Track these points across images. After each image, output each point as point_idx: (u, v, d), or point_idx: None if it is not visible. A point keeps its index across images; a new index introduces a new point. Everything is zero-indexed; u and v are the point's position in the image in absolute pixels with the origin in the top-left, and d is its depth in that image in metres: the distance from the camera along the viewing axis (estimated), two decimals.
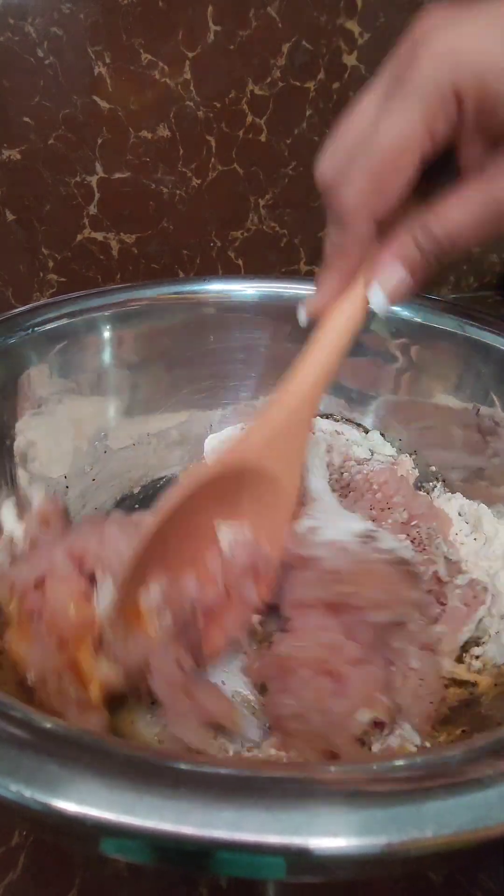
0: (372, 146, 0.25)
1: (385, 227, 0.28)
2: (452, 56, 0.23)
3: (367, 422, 0.49)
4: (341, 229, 0.28)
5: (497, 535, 0.39)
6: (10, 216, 0.58)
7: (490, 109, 0.23)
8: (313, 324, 0.31)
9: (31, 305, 0.45)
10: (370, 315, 0.30)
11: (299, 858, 0.15)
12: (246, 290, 0.49)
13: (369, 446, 0.47)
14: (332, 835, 0.15)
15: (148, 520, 0.29)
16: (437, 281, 0.79)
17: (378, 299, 0.29)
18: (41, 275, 0.62)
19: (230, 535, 0.31)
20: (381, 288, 0.28)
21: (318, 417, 0.48)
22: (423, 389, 0.47)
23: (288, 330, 0.49)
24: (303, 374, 0.31)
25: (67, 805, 0.16)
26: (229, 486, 0.30)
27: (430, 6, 0.23)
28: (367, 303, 0.29)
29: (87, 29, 0.51)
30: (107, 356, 0.46)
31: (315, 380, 0.31)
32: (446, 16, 0.23)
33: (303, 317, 0.32)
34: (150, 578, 0.29)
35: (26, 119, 0.54)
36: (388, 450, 0.47)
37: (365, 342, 0.47)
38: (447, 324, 0.44)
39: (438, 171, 0.26)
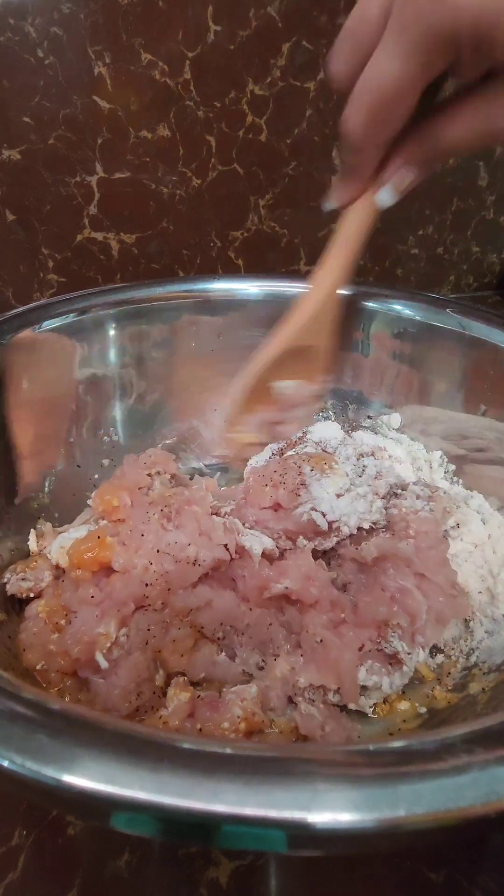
0: (371, 82, 0.28)
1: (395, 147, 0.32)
2: (451, 7, 0.25)
3: (395, 422, 0.49)
4: (353, 153, 0.33)
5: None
6: (10, 216, 0.58)
7: (485, 48, 0.25)
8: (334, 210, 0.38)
9: (41, 302, 0.45)
10: (378, 211, 0.36)
11: (299, 832, 0.16)
12: (250, 288, 0.49)
13: (409, 456, 0.47)
14: (330, 810, 0.16)
15: (237, 384, 0.44)
16: (436, 281, 0.79)
17: (386, 197, 0.35)
18: (41, 275, 0.62)
19: (286, 385, 0.44)
20: (392, 187, 0.34)
21: (360, 431, 0.48)
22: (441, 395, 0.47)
23: None
24: (328, 268, 0.40)
25: (80, 781, 0.17)
26: (282, 363, 0.43)
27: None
28: (375, 206, 0.36)
29: (87, 29, 0.51)
30: (113, 353, 0.46)
31: (338, 273, 0.40)
32: None
33: (327, 205, 0.38)
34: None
35: (26, 119, 0.54)
36: (422, 451, 0.47)
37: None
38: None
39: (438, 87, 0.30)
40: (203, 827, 0.17)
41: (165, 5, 0.52)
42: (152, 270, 0.65)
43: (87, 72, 0.53)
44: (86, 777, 0.17)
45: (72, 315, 0.44)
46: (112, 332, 0.46)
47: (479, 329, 0.44)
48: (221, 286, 0.49)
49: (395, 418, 0.49)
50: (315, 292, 0.41)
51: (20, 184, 0.56)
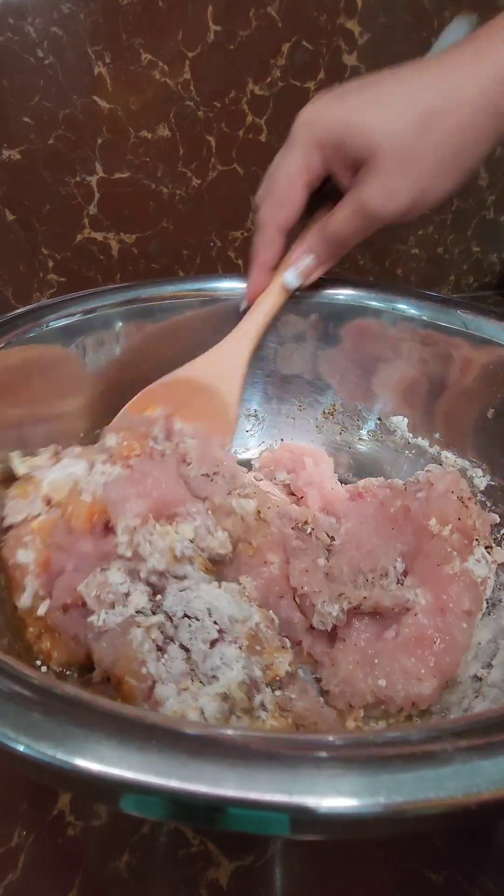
0: (273, 181, 0.40)
1: (294, 236, 0.42)
2: (312, 119, 0.38)
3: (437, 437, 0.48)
4: (258, 236, 0.42)
5: None
6: (10, 216, 0.58)
7: (342, 150, 0.37)
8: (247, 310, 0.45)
9: (48, 301, 0.45)
10: (287, 293, 0.44)
11: (302, 815, 0.17)
12: None
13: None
14: (332, 795, 0.17)
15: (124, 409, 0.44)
16: (436, 281, 0.79)
17: (291, 278, 0.43)
18: (41, 275, 0.62)
19: (183, 426, 0.43)
20: (295, 271, 0.43)
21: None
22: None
23: (294, 328, 0.49)
24: (242, 327, 0.45)
25: (91, 764, 0.17)
26: (185, 393, 0.44)
27: (318, 93, 0.39)
28: (285, 287, 0.44)
29: (87, 29, 0.51)
30: (120, 351, 0.46)
31: (251, 332, 0.45)
32: (320, 98, 0.38)
33: (243, 305, 0.46)
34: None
35: (26, 119, 0.54)
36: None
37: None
38: None
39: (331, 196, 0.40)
40: (210, 809, 0.17)
41: (165, 5, 0.52)
42: (152, 270, 0.65)
43: (87, 72, 0.53)
44: (96, 760, 0.17)
45: (78, 314, 0.44)
46: (119, 331, 0.46)
47: (490, 330, 0.43)
48: (228, 285, 0.49)
49: (403, 421, 0.49)
50: (226, 343, 0.45)
51: (20, 184, 0.56)
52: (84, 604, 0.32)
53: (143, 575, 0.32)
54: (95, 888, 0.28)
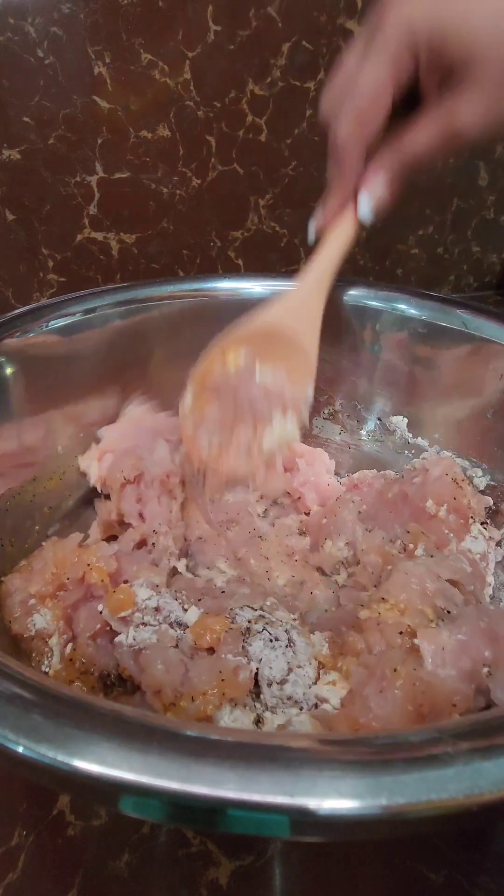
0: (354, 92, 0.34)
1: (371, 156, 0.36)
2: (408, 21, 0.32)
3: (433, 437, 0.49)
4: (337, 159, 0.37)
5: None
6: (10, 216, 0.58)
7: (438, 57, 0.32)
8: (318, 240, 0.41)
9: (48, 301, 0.45)
10: (358, 226, 0.39)
11: (302, 817, 0.17)
12: (254, 287, 0.49)
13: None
14: (332, 797, 0.17)
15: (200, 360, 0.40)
16: (436, 281, 0.79)
17: (365, 207, 0.38)
18: (41, 275, 0.62)
19: (262, 372, 0.40)
20: (368, 196, 0.37)
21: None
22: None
23: None
24: (315, 266, 0.40)
25: (90, 766, 0.17)
26: (264, 338, 0.40)
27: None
28: (358, 218, 0.38)
29: (87, 29, 0.51)
30: (120, 351, 0.46)
31: (324, 271, 0.40)
32: None
33: (311, 235, 0.41)
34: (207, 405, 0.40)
35: (26, 119, 0.54)
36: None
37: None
38: None
39: (409, 105, 0.35)
40: (209, 811, 0.17)
41: (165, 5, 0.52)
42: (152, 270, 0.65)
43: (87, 72, 0.53)
44: (96, 762, 0.17)
45: (78, 314, 0.44)
46: (119, 331, 0.46)
47: (490, 330, 0.43)
48: (228, 285, 0.49)
49: (403, 421, 0.49)
50: (302, 287, 0.41)
51: (20, 184, 0.56)
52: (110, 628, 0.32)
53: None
54: (95, 888, 0.28)
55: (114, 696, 0.32)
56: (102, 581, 0.33)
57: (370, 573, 0.37)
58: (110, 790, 0.17)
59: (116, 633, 0.32)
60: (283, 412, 0.40)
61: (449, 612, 0.32)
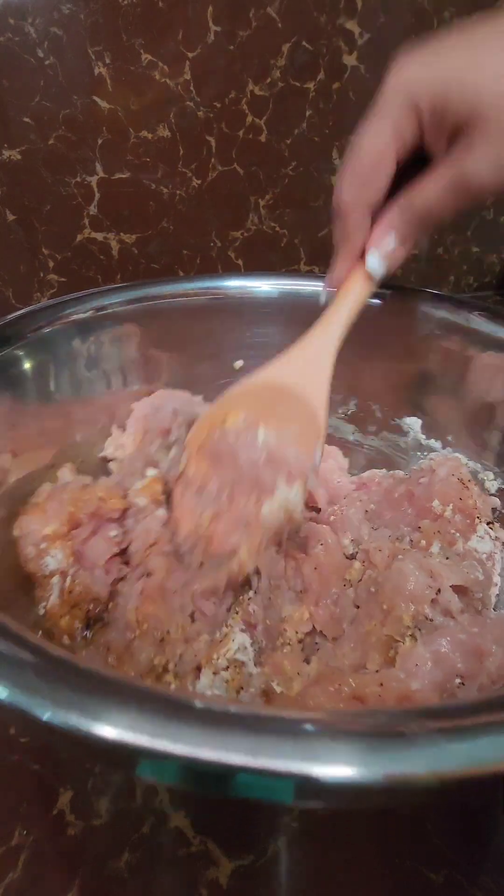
0: (357, 155, 0.35)
1: (378, 217, 0.36)
2: (408, 84, 0.32)
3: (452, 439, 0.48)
4: (342, 222, 0.37)
5: None
6: (10, 216, 0.58)
7: (441, 117, 0.32)
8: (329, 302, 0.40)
9: (48, 301, 0.45)
10: (373, 283, 0.39)
11: (305, 783, 0.18)
12: (262, 286, 0.49)
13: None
14: (335, 764, 0.18)
15: (203, 415, 0.39)
16: (436, 281, 0.79)
17: (374, 264, 0.37)
18: (41, 275, 0.62)
19: (266, 435, 0.37)
20: (377, 254, 0.37)
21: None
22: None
23: (302, 327, 0.49)
24: (325, 323, 0.39)
25: (109, 732, 0.19)
26: (268, 398, 0.38)
27: (401, 52, 0.33)
28: (370, 275, 0.38)
29: (87, 29, 0.51)
30: (130, 350, 0.47)
31: (335, 328, 0.39)
32: (407, 56, 0.33)
33: (323, 298, 0.41)
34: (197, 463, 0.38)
35: (26, 119, 0.54)
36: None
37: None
38: None
39: (416, 169, 0.34)
40: (220, 776, 0.18)
41: (165, 5, 0.52)
42: (152, 270, 0.65)
43: (87, 72, 0.53)
44: (117, 727, 0.19)
45: (80, 314, 0.44)
46: (119, 331, 0.46)
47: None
48: (236, 283, 0.49)
49: (416, 422, 0.49)
50: (311, 343, 0.39)
51: (20, 184, 0.56)
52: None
53: None
54: (95, 887, 0.28)
55: (95, 630, 0.34)
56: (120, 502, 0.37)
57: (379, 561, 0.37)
58: (129, 755, 0.19)
59: (125, 562, 0.35)
60: (288, 480, 0.36)
61: (432, 619, 0.32)
